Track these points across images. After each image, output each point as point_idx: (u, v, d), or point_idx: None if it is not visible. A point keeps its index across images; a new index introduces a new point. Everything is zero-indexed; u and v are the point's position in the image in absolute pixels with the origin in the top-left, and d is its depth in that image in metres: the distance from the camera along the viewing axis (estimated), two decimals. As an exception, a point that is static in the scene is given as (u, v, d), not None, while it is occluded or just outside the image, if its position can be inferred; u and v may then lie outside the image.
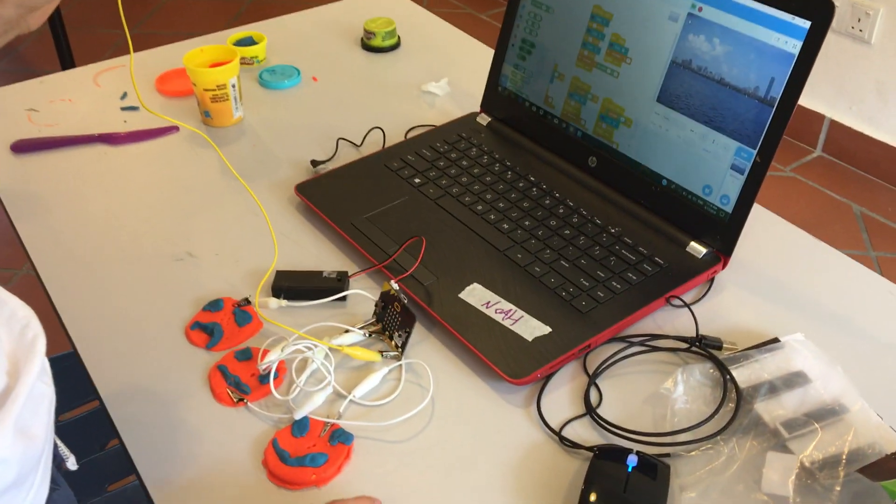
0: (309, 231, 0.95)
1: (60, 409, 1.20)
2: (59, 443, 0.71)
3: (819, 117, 2.44)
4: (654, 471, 0.66)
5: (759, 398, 0.71)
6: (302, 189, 0.98)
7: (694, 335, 0.79)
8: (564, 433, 0.72)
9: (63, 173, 1.06)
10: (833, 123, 2.42)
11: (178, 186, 1.03)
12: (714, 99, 0.85)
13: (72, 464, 0.72)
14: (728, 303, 0.85)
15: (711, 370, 0.74)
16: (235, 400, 0.76)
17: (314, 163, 1.05)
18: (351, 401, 0.76)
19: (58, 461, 0.74)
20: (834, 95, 2.39)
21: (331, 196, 0.97)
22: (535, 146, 1.03)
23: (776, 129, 0.81)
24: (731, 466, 0.67)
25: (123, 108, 1.18)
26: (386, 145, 1.08)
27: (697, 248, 0.87)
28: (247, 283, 0.89)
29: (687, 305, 0.82)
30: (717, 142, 0.85)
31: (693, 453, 0.69)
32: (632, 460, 0.66)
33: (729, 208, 0.85)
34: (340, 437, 0.72)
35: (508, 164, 1.01)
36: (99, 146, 1.10)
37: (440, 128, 1.09)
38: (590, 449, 0.70)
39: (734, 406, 0.71)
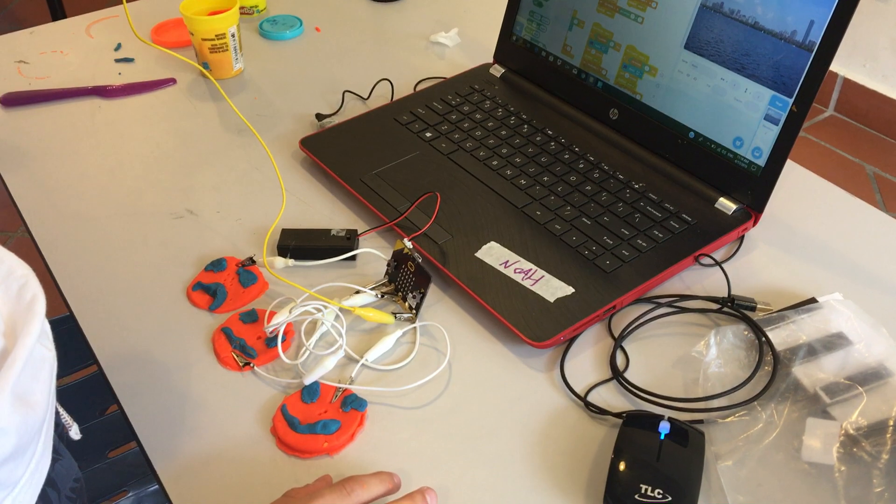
0: (315, 188, 0.91)
1: (58, 375, 1.16)
2: (61, 410, 0.67)
3: (832, 75, 2.37)
4: (688, 438, 0.62)
5: (797, 361, 0.67)
6: (307, 143, 0.93)
7: (725, 295, 0.75)
8: (590, 399, 0.68)
9: (55, 128, 1.01)
10: (846, 82, 2.36)
11: (176, 141, 0.98)
12: (747, 44, 0.79)
13: (75, 433, 0.68)
14: (760, 262, 0.80)
15: (745, 332, 0.70)
16: (241, 364, 0.72)
17: (319, 116, 1.00)
18: (363, 365, 0.72)
19: (59, 430, 0.70)
20: (847, 53, 2.33)
21: (338, 151, 0.92)
22: (552, 98, 0.97)
23: (815, 75, 0.75)
24: (769, 434, 0.63)
25: (118, 60, 1.13)
26: (394, 98, 1.02)
27: (727, 205, 0.82)
28: (251, 242, 0.84)
29: (718, 263, 0.78)
30: (749, 90, 0.80)
31: (728, 419, 0.65)
32: (664, 427, 0.62)
33: (761, 161, 0.80)
34: (353, 403, 0.68)
35: (524, 117, 0.96)
36: (92, 99, 1.05)
37: (451, 80, 1.04)
38: (617, 415, 0.66)
39: (771, 370, 0.67)
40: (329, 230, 0.82)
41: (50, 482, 0.59)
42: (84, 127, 1.01)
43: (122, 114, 1.03)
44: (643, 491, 0.58)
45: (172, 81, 1.08)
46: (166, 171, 0.94)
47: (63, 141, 0.99)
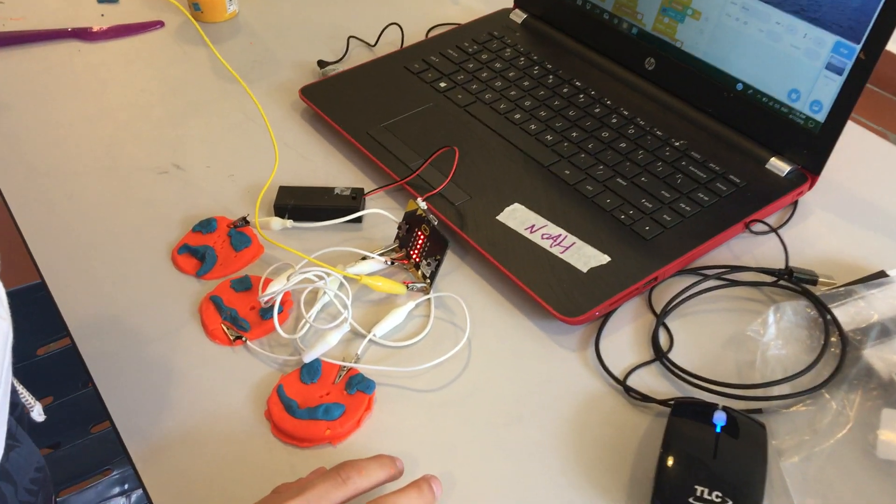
0: (316, 141, 0.81)
1: (35, 344, 1.08)
2: (20, 388, 0.59)
3: None
4: (748, 432, 0.54)
5: (868, 343, 0.59)
6: (308, 93, 0.84)
7: (781, 267, 0.66)
8: (630, 382, 0.60)
9: (30, 73, 0.91)
10: None
11: (162, 89, 0.89)
12: (809, -17, 0.70)
13: (38, 413, 0.59)
14: (817, 230, 0.72)
15: (808, 309, 0.62)
16: (232, 338, 0.63)
17: (321, 64, 0.90)
18: (371, 341, 0.63)
19: (18, 412, 0.62)
20: None
21: (342, 101, 0.83)
22: (579, 46, 0.88)
23: (887, 18, 0.66)
24: (840, 427, 0.55)
25: (100, 1, 1.02)
26: (404, 45, 0.93)
27: (780, 165, 0.73)
28: (244, 201, 0.75)
29: (774, 230, 0.69)
30: (809, 36, 0.70)
31: (792, 409, 0.56)
32: (719, 418, 0.54)
33: (820, 117, 0.71)
34: (360, 385, 0.59)
35: (549, 67, 0.86)
36: (72, 42, 0.95)
37: (467, 26, 0.94)
38: (663, 402, 0.58)
39: (839, 353, 0.58)
40: (332, 188, 0.73)
41: (4, 475, 0.51)
42: (62, 72, 0.91)
43: (103, 59, 0.93)
44: (698, 493, 0.50)
45: (160, 24, 0.98)
46: (151, 121, 0.84)
47: (38, 87, 0.89)
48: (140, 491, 1.03)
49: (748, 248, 0.70)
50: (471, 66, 0.87)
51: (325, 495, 0.48)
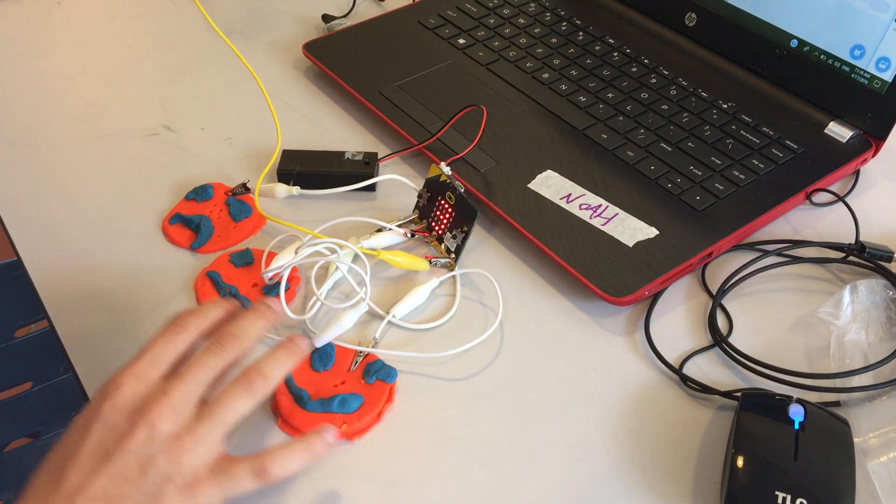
0: (322, 102, 0.73)
1: (13, 326, 1.00)
2: None
3: None
4: (830, 429, 0.47)
5: (957, 328, 0.52)
6: (312, 49, 0.76)
7: (849, 242, 0.59)
8: (686, 371, 0.53)
9: (5, 27, 0.83)
10: None
11: (151, 44, 0.80)
12: (880, -75, 0.62)
13: None
14: (882, 201, 0.65)
15: (887, 289, 0.55)
16: (232, 319, 0.55)
17: (326, 18, 0.82)
18: (390, 323, 0.55)
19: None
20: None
21: (350, 58, 0.75)
22: (611, 1, 0.80)
23: (972, -37, 0.59)
24: (933, 423, 0.48)
25: (81, -50, 0.94)
26: (417, -1, 0.85)
27: (840, 131, 0.66)
28: (243, 166, 0.67)
29: (842, 199, 0.62)
30: (877, -15, 0.63)
31: (875, 402, 0.49)
32: (796, 413, 0.47)
33: (888, 76, 0.64)
34: (379, 373, 0.52)
35: (579, 22, 0.79)
36: (50, -6, 0.87)
37: (485, -20, 0.86)
38: (727, 394, 0.51)
39: (925, 339, 0.52)
40: (342, 153, 0.66)
41: None
42: (40, 25, 0.83)
43: (86, 9, 0.85)
44: (780, 501, 0.43)
45: (147, -24, 0.90)
46: (138, 79, 0.76)
47: (14, 42, 0.81)
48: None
49: (809, 220, 0.62)
50: (492, 21, 0.79)
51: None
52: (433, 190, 0.60)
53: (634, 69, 0.73)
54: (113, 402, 0.42)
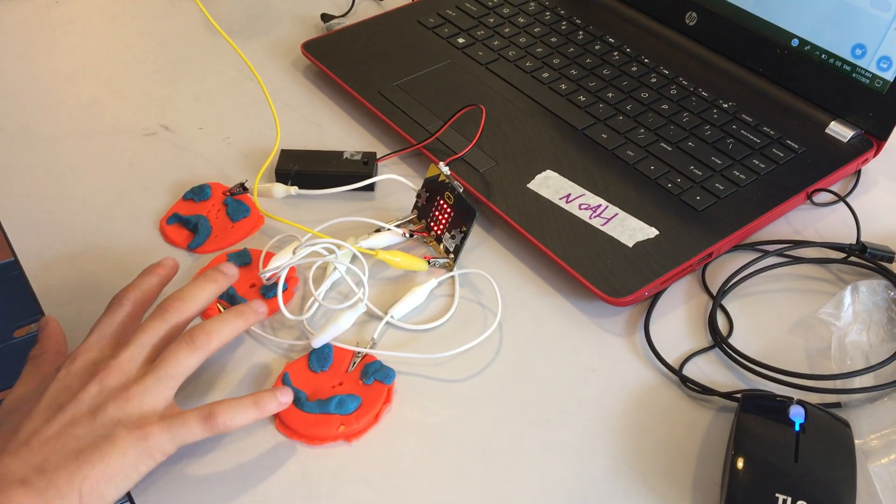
0: (321, 102, 0.73)
1: (11, 326, 0.99)
2: None
3: None
4: (831, 430, 0.46)
5: (959, 329, 0.51)
6: (311, 48, 0.76)
7: (850, 242, 0.58)
8: (686, 372, 0.52)
9: (3, 26, 0.82)
10: None
11: (149, 44, 0.80)
12: (881, -77, 0.62)
13: None
14: (883, 201, 0.64)
15: (888, 290, 0.54)
16: (229, 320, 0.55)
17: (325, 17, 0.82)
18: (388, 323, 0.55)
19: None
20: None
21: (349, 58, 0.74)
22: (611, 0, 0.80)
23: (974, -38, 0.59)
24: (935, 425, 0.48)
25: (80, -50, 0.94)
26: (417, -2, 0.84)
27: (841, 130, 0.66)
28: (241, 166, 0.67)
29: (843, 199, 0.62)
30: (879, -16, 0.63)
31: (876, 403, 0.49)
32: (797, 414, 0.46)
33: (889, 75, 0.63)
34: (377, 374, 0.52)
35: (578, 22, 0.78)
36: (48, -6, 0.87)
37: (485, -21, 0.86)
38: (727, 395, 0.50)
39: (926, 340, 0.51)
40: (340, 152, 0.65)
41: None
42: (38, 25, 0.82)
43: (84, 9, 0.85)
44: (780, 503, 0.43)
45: (146, -25, 0.89)
46: (136, 79, 0.76)
47: (12, 42, 0.80)
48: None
49: (810, 221, 0.62)
50: (491, 20, 0.79)
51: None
52: (432, 190, 0.60)
53: (634, 68, 0.72)
54: (68, 369, 0.46)
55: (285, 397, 0.48)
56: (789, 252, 0.59)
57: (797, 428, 0.46)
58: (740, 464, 0.45)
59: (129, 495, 0.47)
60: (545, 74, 0.72)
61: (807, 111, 0.67)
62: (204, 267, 0.58)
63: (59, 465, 0.41)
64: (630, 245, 0.57)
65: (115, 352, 0.46)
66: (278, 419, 0.50)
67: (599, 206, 0.60)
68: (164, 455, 0.44)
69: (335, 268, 0.56)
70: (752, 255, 0.59)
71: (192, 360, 0.47)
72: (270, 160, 0.64)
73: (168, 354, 0.46)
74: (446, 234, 0.59)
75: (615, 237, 0.58)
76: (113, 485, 0.42)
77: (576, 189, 0.62)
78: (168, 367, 0.46)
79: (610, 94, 0.70)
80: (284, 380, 0.51)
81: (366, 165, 0.64)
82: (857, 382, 0.50)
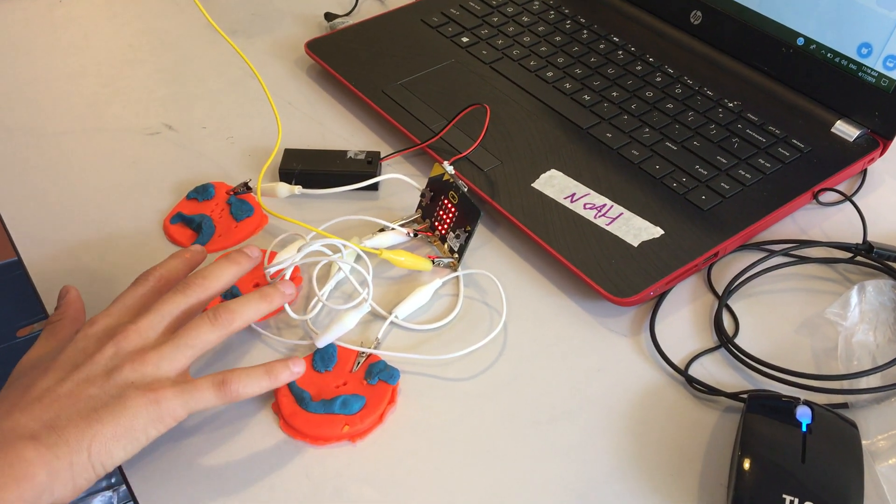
0: (324, 101, 0.73)
1: (15, 326, 0.99)
2: None
3: None
4: (838, 431, 0.46)
5: (966, 329, 0.51)
6: (315, 47, 0.75)
7: (856, 242, 0.58)
8: (692, 372, 0.52)
9: (7, 25, 0.82)
10: None
11: (152, 43, 0.80)
12: (887, -78, 0.62)
13: None
14: (889, 200, 0.64)
15: (894, 290, 0.54)
16: (233, 319, 0.55)
17: (329, 17, 0.82)
18: (392, 323, 0.55)
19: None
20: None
21: (353, 57, 0.74)
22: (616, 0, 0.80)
23: (981, -40, 0.58)
24: (942, 425, 0.47)
25: (83, -51, 0.93)
26: (420, -3, 0.84)
27: (847, 129, 0.65)
28: (244, 166, 0.67)
29: (849, 198, 0.61)
30: (885, -17, 0.63)
31: (883, 404, 0.49)
32: (804, 415, 0.46)
33: (895, 74, 0.63)
34: (382, 374, 0.51)
35: (583, 21, 0.78)
36: (51, -7, 0.87)
37: (488, -22, 0.86)
38: (733, 396, 0.50)
39: (934, 340, 0.51)
40: (344, 152, 0.65)
41: None
42: (41, 24, 0.82)
43: (87, 11, 0.84)
44: (787, 504, 0.43)
45: (149, -26, 0.89)
46: (139, 78, 0.76)
47: (14, 41, 0.80)
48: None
49: (815, 220, 0.62)
50: (495, 19, 0.78)
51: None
52: (436, 189, 0.60)
53: (639, 67, 0.72)
54: (85, 332, 0.46)
55: (298, 367, 0.49)
56: (795, 252, 0.59)
57: (804, 428, 0.45)
58: (747, 464, 0.44)
59: (122, 475, 0.47)
60: (550, 73, 0.72)
61: (812, 110, 0.67)
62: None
63: (69, 422, 0.42)
64: (635, 244, 0.57)
65: (135, 317, 0.47)
66: (283, 419, 0.50)
67: (604, 205, 0.60)
68: (174, 420, 0.45)
69: (339, 267, 0.56)
70: (758, 255, 0.59)
71: (213, 335, 0.47)
72: (272, 159, 0.64)
73: (190, 326, 0.47)
74: (451, 233, 0.59)
75: (620, 237, 0.58)
76: (121, 445, 0.43)
77: (581, 188, 0.61)
78: (188, 337, 0.46)
79: (615, 94, 0.70)
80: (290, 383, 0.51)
81: (370, 165, 0.64)
82: (864, 383, 0.49)
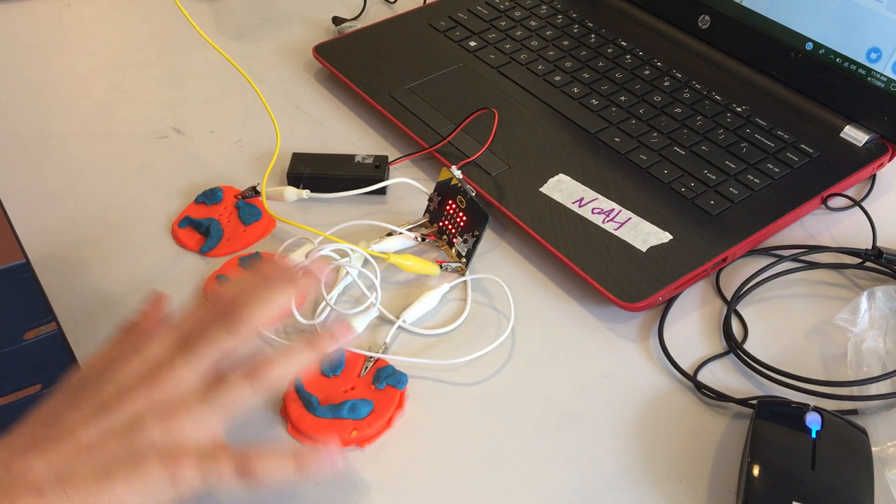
0: (332, 105, 0.73)
1: (22, 328, 1.00)
2: None
3: None
4: (847, 438, 0.46)
5: (977, 336, 0.51)
6: (322, 51, 0.76)
7: (866, 247, 0.58)
8: (700, 378, 0.52)
9: (14, 28, 0.83)
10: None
11: (160, 47, 0.80)
12: (897, -74, 0.62)
13: None
14: (899, 206, 0.64)
15: (904, 296, 0.54)
16: (241, 324, 0.55)
17: (337, 21, 0.82)
18: (400, 328, 0.55)
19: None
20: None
21: (361, 61, 0.74)
22: (623, 3, 0.79)
23: None
24: (953, 432, 0.47)
25: (92, -47, 0.94)
26: (428, 1, 0.84)
27: (856, 134, 0.65)
28: (252, 170, 0.67)
29: (858, 203, 0.61)
30: (895, -13, 0.62)
31: (893, 410, 0.49)
32: (813, 421, 0.46)
33: (905, 79, 0.63)
34: (390, 379, 0.51)
35: (590, 25, 0.78)
36: (60, -3, 0.87)
37: (496, -18, 0.86)
38: (743, 402, 0.50)
39: (944, 346, 0.51)
40: (352, 156, 0.65)
41: None
42: (49, 27, 0.83)
43: (95, 14, 0.85)
44: (797, 511, 0.42)
45: (158, -22, 0.89)
46: (148, 82, 0.76)
47: (23, 44, 0.80)
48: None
49: (824, 225, 0.62)
50: (503, 24, 0.78)
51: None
52: (444, 194, 0.60)
53: (647, 72, 0.72)
54: (130, 362, 0.43)
55: (334, 457, 0.44)
56: (804, 257, 0.59)
57: (813, 435, 0.45)
58: (756, 471, 0.44)
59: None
60: (557, 78, 0.72)
61: (821, 115, 0.67)
62: (215, 271, 0.58)
63: (80, 481, 0.40)
64: (644, 250, 0.57)
65: (177, 359, 0.43)
66: (291, 424, 0.50)
67: (612, 210, 0.60)
68: (191, 492, 0.41)
69: (347, 272, 0.56)
70: (767, 260, 0.58)
71: (251, 396, 0.43)
72: (273, 163, 0.64)
73: (228, 384, 0.43)
74: (458, 238, 0.59)
75: (629, 242, 0.58)
76: None
77: (589, 193, 0.61)
78: (225, 397, 0.42)
79: (623, 98, 0.69)
80: (297, 385, 0.51)
81: (377, 169, 0.64)
82: (874, 389, 0.49)
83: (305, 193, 0.62)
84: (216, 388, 0.43)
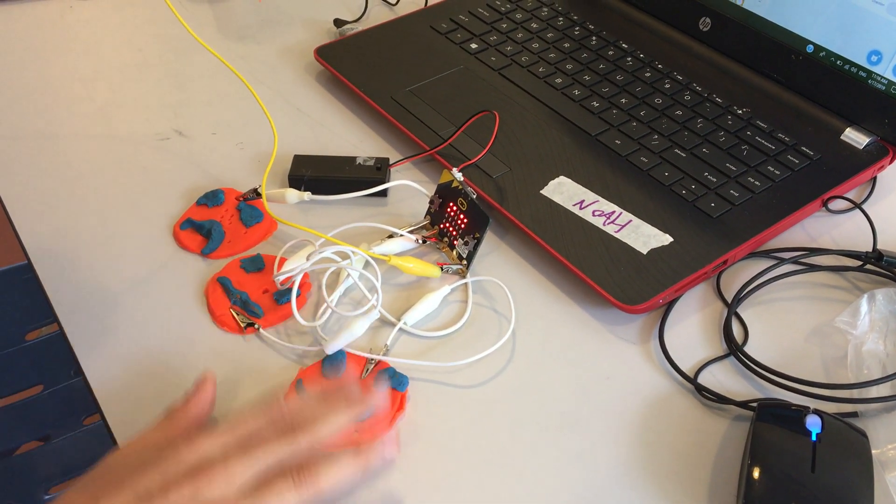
0: (333, 107, 0.73)
1: (24, 329, 1.00)
2: None
3: None
4: (848, 440, 0.46)
5: (977, 339, 0.51)
6: (324, 53, 0.76)
7: (866, 250, 0.58)
8: (701, 380, 0.52)
9: (17, 29, 0.83)
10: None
11: (163, 49, 0.80)
12: (897, -71, 0.62)
13: None
14: (900, 209, 0.64)
15: (905, 298, 0.54)
16: (243, 325, 0.55)
17: (338, 23, 0.82)
18: (401, 330, 0.55)
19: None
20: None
21: (362, 63, 0.74)
22: (624, 5, 0.80)
23: None
24: (953, 435, 0.47)
25: (94, -45, 0.94)
26: (429, 3, 0.84)
27: (857, 137, 0.65)
28: (254, 172, 0.67)
29: (858, 206, 0.61)
30: (895, -10, 0.62)
31: (893, 413, 0.49)
32: (813, 424, 0.46)
33: (905, 82, 0.63)
34: (391, 381, 0.52)
35: (591, 27, 0.78)
36: (62, -2, 0.87)
37: (497, -16, 0.86)
38: (743, 405, 0.50)
39: (944, 349, 0.51)
40: (353, 158, 0.65)
41: None
42: (53, 29, 0.83)
43: (98, 16, 0.85)
44: (797, 514, 0.43)
45: (159, -20, 0.90)
46: (150, 83, 0.76)
47: (26, 45, 0.81)
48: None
49: (825, 228, 0.62)
50: (504, 26, 0.79)
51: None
52: (445, 196, 0.60)
53: (648, 74, 0.72)
54: (179, 453, 0.42)
55: (392, 449, 0.45)
56: (805, 260, 0.59)
57: (814, 438, 0.45)
58: (756, 473, 0.44)
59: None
60: (558, 80, 0.72)
61: (822, 117, 0.67)
62: (217, 272, 0.58)
63: None
64: (644, 252, 0.57)
65: (230, 457, 0.42)
66: (291, 425, 0.50)
67: (613, 212, 0.60)
68: None
69: (348, 274, 0.56)
70: (768, 263, 0.58)
71: (294, 501, 0.42)
72: (271, 165, 0.64)
73: (273, 491, 0.42)
74: (459, 240, 0.59)
75: (629, 244, 0.58)
76: None
77: (589, 195, 0.61)
78: (269, 502, 0.42)
79: (623, 100, 0.70)
80: (298, 386, 0.51)
81: (378, 171, 0.64)
82: (874, 392, 0.49)
83: (307, 195, 0.62)
84: (261, 492, 0.42)
